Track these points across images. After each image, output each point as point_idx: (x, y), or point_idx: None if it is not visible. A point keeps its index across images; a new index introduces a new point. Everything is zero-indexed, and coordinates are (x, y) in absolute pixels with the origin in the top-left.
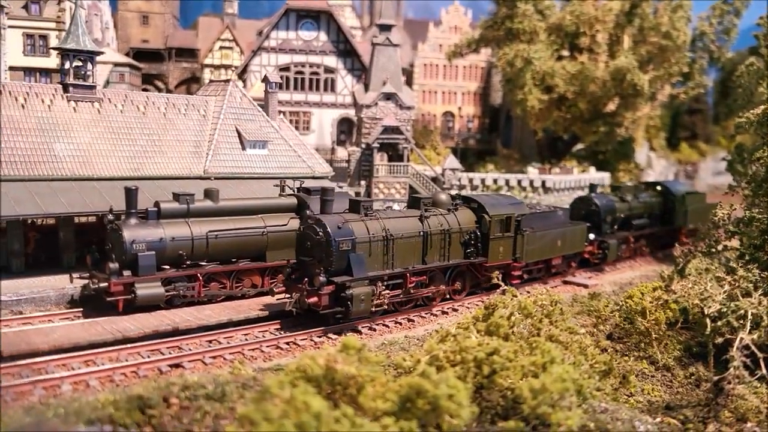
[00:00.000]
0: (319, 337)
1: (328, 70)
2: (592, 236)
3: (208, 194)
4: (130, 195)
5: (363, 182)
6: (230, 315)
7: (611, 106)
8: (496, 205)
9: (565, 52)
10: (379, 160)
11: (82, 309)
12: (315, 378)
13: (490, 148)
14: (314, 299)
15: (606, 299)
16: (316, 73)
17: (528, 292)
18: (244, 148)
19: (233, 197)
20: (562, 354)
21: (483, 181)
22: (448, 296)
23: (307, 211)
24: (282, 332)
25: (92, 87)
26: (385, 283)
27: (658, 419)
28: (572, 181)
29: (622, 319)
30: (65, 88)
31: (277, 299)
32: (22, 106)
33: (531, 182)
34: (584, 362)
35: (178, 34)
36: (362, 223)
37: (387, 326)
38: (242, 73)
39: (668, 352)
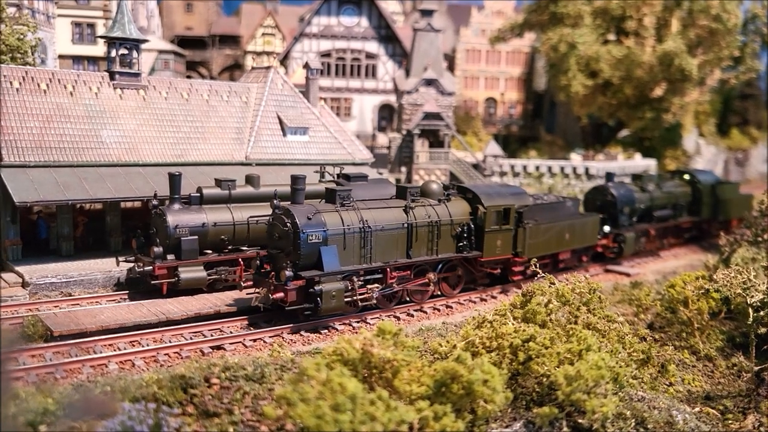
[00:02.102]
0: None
1: (370, 56)
2: (607, 229)
3: (250, 180)
4: (174, 181)
5: (403, 169)
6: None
7: (658, 92)
8: (493, 196)
9: (611, 36)
10: (420, 146)
11: (127, 291)
12: (351, 361)
13: (532, 135)
14: (280, 294)
15: (648, 288)
16: (358, 59)
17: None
18: (285, 135)
19: (274, 183)
20: (599, 342)
21: (525, 167)
22: (438, 292)
23: (275, 201)
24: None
25: (137, 74)
26: (363, 278)
27: (697, 409)
28: (616, 168)
29: (664, 309)
30: (112, 75)
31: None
32: (71, 94)
33: (574, 169)
34: (622, 350)
35: (222, 21)
36: (336, 213)
37: (425, 312)
38: (284, 59)
39: (710, 342)
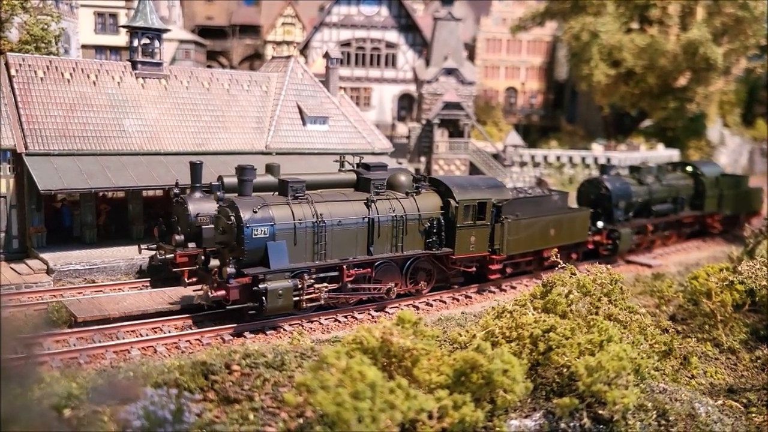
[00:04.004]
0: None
1: (390, 45)
2: (600, 224)
3: (270, 169)
4: (195, 169)
5: (423, 158)
6: None
7: (682, 81)
8: (467, 189)
9: (634, 25)
10: (440, 136)
11: (149, 279)
12: (371, 350)
13: (553, 124)
14: (221, 292)
15: (670, 280)
16: (377, 49)
17: (514, 287)
18: (304, 124)
19: (294, 172)
20: (620, 333)
21: (545, 157)
22: (407, 291)
23: (219, 193)
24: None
25: (159, 64)
26: (315, 276)
27: (720, 402)
28: (639, 158)
29: (687, 300)
30: (134, 65)
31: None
32: (94, 83)
33: (595, 159)
34: (643, 342)
35: (242, 10)
36: (287, 207)
37: (444, 302)
38: (304, 49)
39: (734, 335)
